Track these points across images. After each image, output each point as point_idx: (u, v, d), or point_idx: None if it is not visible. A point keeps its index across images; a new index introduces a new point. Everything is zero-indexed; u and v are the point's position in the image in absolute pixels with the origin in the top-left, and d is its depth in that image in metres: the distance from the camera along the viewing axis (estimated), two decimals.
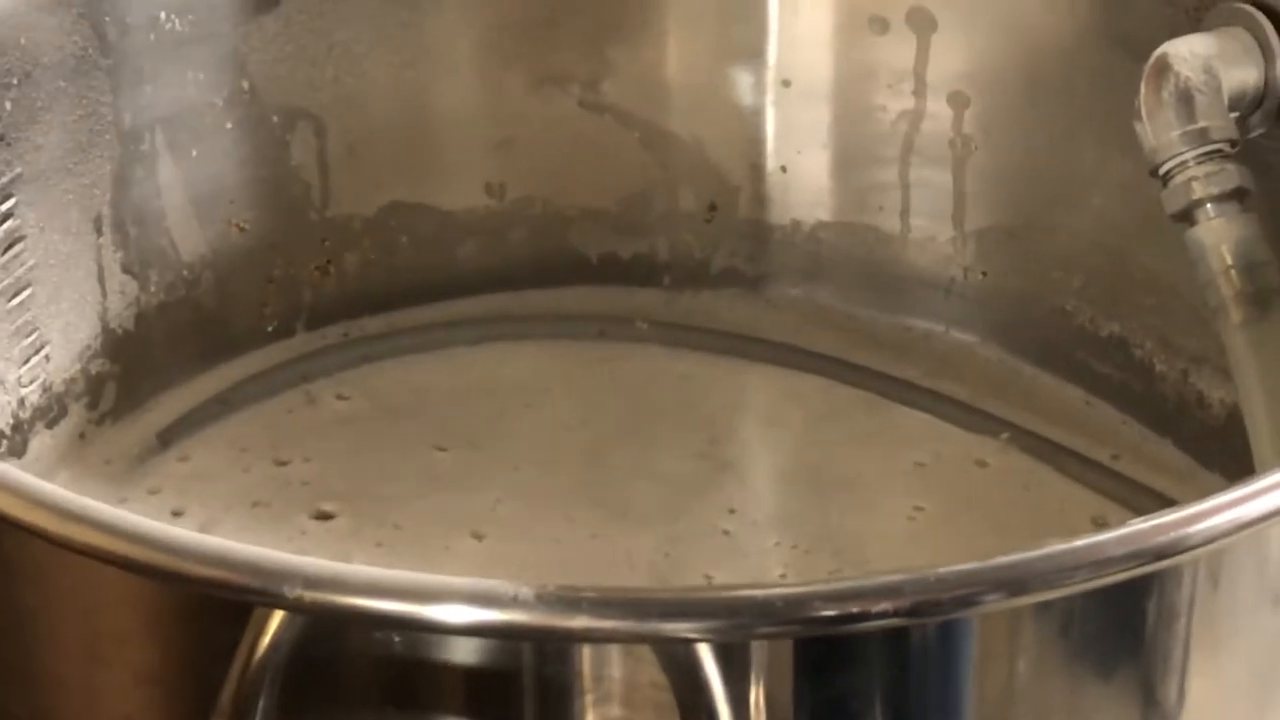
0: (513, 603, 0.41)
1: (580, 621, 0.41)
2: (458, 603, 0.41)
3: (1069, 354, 0.80)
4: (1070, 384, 0.80)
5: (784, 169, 0.84)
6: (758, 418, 0.81)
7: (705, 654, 0.44)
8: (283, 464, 0.77)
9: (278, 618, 0.45)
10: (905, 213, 0.83)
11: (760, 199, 0.85)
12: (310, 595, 0.42)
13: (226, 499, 0.75)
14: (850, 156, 0.83)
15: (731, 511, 0.75)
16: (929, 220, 0.82)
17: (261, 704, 0.46)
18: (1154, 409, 0.77)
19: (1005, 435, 0.77)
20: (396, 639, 0.46)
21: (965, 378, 0.81)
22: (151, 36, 0.75)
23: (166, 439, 0.77)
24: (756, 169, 0.84)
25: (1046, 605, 0.48)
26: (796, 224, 0.85)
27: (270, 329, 0.81)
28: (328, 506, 0.74)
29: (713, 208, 0.85)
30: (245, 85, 0.78)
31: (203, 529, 0.73)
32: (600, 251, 0.86)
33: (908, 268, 0.83)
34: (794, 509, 0.75)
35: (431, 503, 0.75)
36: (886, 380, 0.81)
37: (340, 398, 0.80)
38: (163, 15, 0.75)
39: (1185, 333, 0.75)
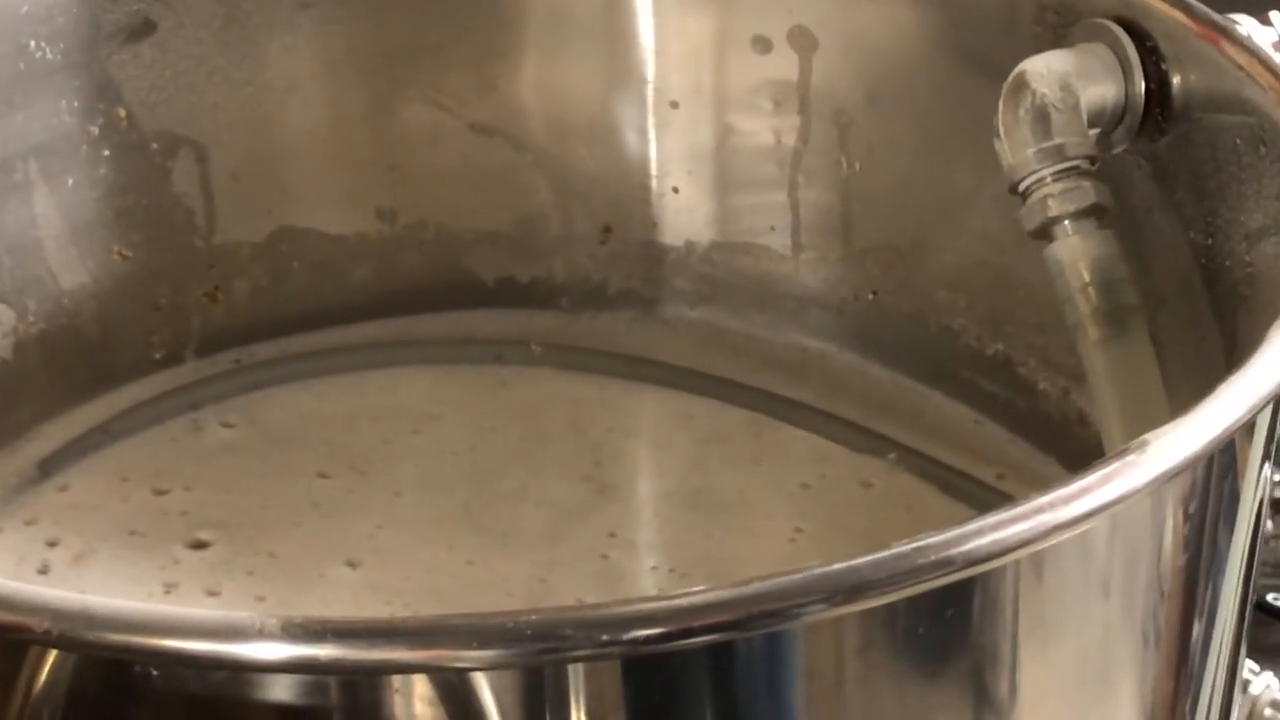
0: (257, 634, 0.41)
1: (328, 652, 0.41)
2: (200, 639, 0.41)
3: (957, 373, 0.79)
4: (959, 403, 0.79)
5: (676, 190, 0.84)
6: (645, 441, 0.80)
7: (480, 683, 0.44)
8: (162, 493, 0.76)
9: (52, 655, 0.45)
10: (796, 233, 0.82)
11: (653, 221, 0.84)
12: (59, 629, 0.42)
13: (103, 529, 0.74)
14: (740, 177, 0.83)
15: (612, 535, 0.74)
16: (819, 240, 0.82)
17: None
18: (1038, 427, 0.77)
19: (892, 455, 0.77)
20: (182, 675, 0.46)
21: (857, 398, 0.81)
22: (21, 65, 0.74)
23: (46, 468, 0.77)
24: (648, 191, 0.84)
25: (870, 612, 0.47)
26: (690, 245, 0.84)
27: (158, 356, 0.81)
28: (204, 535, 0.74)
29: (607, 230, 0.85)
30: (122, 113, 0.77)
31: (76, 559, 0.73)
32: (496, 275, 0.85)
33: (800, 288, 0.83)
34: (673, 532, 0.75)
35: (309, 530, 0.74)
36: (778, 401, 0.80)
37: (226, 425, 0.80)
38: (32, 44, 0.74)
39: (1066, 350, 0.74)
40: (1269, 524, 1.00)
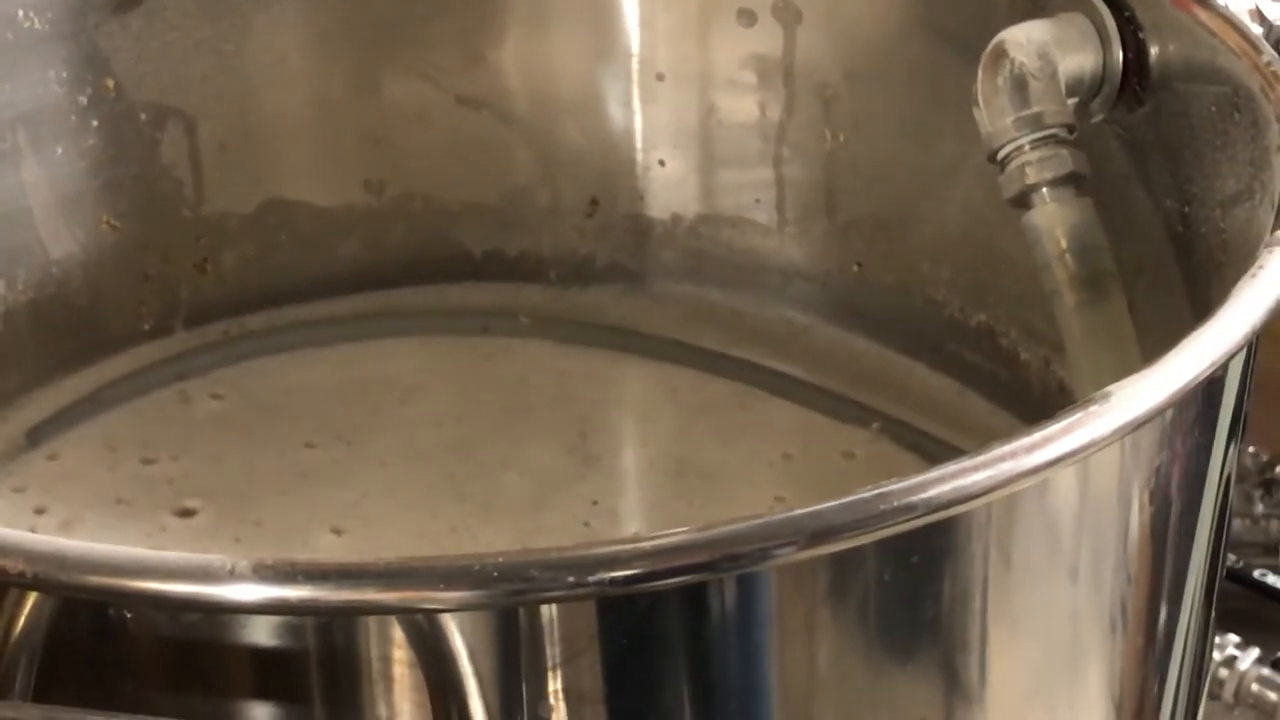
0: (229, 575, 0.41)
1: (298, 593, 0.42)
2: (174, 580, 0.42)
3: (941, 345, 0.80)
4: (943, 375, 0.80)
5: (662, 163, 0.84)
6: (630, 412, 0.81)
7: (451, 626, 0.45)
8: (150, 462, 0.77)
9: (30, 599, 0.46)
10: (781, 206, 0.83)
11: (640, 194, 0.85)
12: (33, 570, 0.42)
13: (90, 497, 0.75)
14: (725, 150, 0.83)
15: (594, 504, 0.75)
16: (804, 213, 0.82)
17: (18, 684, 0.46)
18: (1020, 398, 0.77)
19: (876, 425, 0.77)
20: (156, 619, 0.46)
21: (842, 370, 0.81)
22: (10, 35, 0.75)
23: (35, 437, 0.77)
24: (635, 164, 0.84)
25: (838, 556, 0.48)
26: (677, 218, 0.85)
27: (147, 327, 0.82)
28: (190, 504, 0.75)
29: (594, 203, 0.85)
30: (110, 83, 0.78)
31: (63, 526, 0.73)
32: (484, 248, 0.86)
33: (785, 261, 0.83)
34: (655, 500, 0.76)
35: (295, 499, 0.75)
36: (763, 373, 0.81)
37: (215, 396, 0.80)
38: (20, 14, 0.75)
39: (1047, 321, 0.74)
40: (1259, 505, 1.02)
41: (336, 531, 0.73)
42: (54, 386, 0.79)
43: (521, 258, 0.86)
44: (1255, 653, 0.91)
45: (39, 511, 0.74)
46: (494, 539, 0.73)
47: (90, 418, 0.79)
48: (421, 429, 0.79)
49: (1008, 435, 0.75)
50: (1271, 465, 1.01)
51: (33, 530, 0.73)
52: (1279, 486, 1.02)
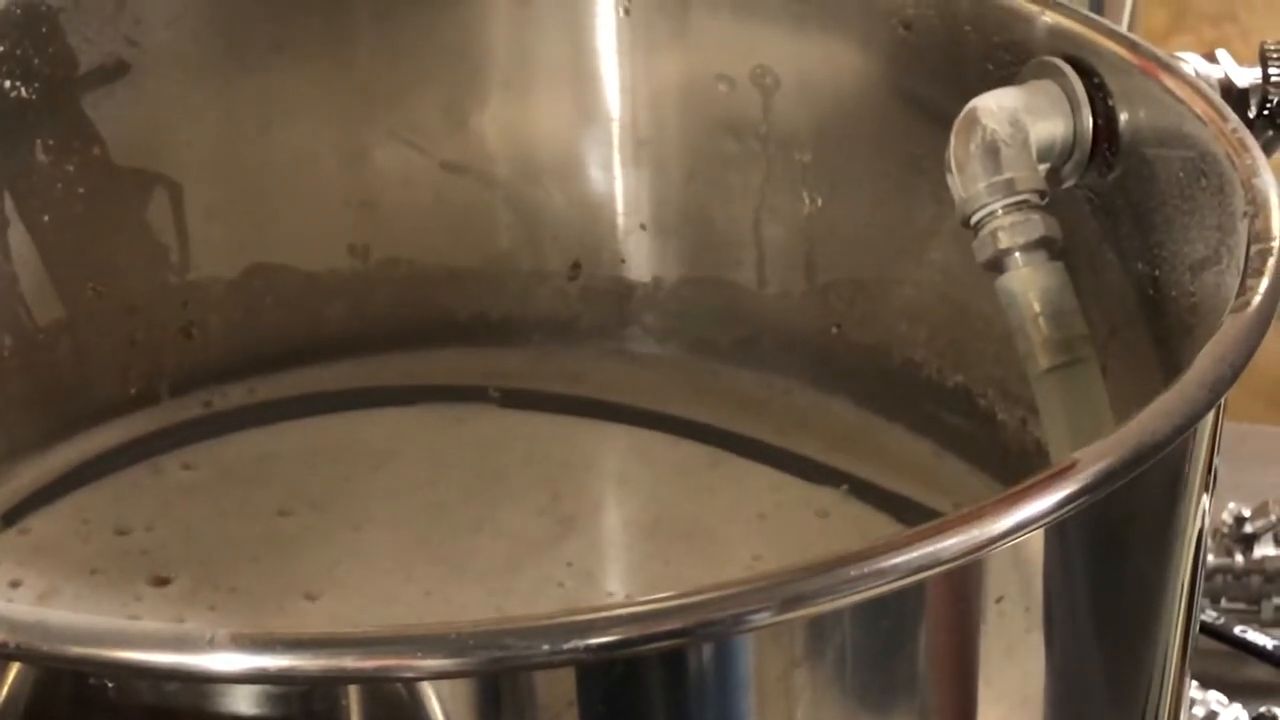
0: (208, 645, 0.42)
1: (276, 662, 0.42)
2: (153, 649, 0.42)
3: (919, 406, 0.81)
4: (921, 437, 0.81)
5: (643, 226, 0.85)
6: (602, 474, 0.82)
7: (429, 694, 0.45)
8: (124, 533, 0.77)
9: (14, 669, 0.46)
10: (761, 268, 0.84)
11: (622, 257, 0.86)
12: (16, 641, 0.43)
13: (65, 569, 0.75)
14: (705, 213, 0.84)
15: (569, 565, 0.76)
16: (784, 275, 0.83)
17: None
18: (997, 458, 0.78)
19: (844, 487, 0.78)
20: (138, 688, 0.47)
21: (820, 432, 0.82)
22: None
23: (10, 517, 0.78)
24: (617, 227, 0.85)
25: (815, 620, 0.48)
26: (658, 280, 0.86)
27: (133, 392, 0.82)
28: (165, 573, 0.75)
29: (576, 266, 0.86)
30: (96, 151, 0.79)
31: (40, 599, 0.74)
32: (468, 311, 0.87)
33: (766, 323, 0.84)
34: (631, 560, 0.76)
35: (269, 566, 0.75)
36: (738, 436, 0.82)
37: (186, 467, 0.81)
38: (8, 84, 0.76)
39: (1023, 381, 0.75)
40: (1239, 558, 1.02)
41: (311, 597, 0.74)
42: (33, 460, 0.80)
43: (505, 321, 0.87)
44: (1237, 709, 0.92)
45: (14, 584, 0.75)
46: (468, 601, 0.74)
47: (63, 494, 0.79)
48: (395, 494, 0.79)
49: (983, 496, 0.77)
50: (1251, 520, 1.02)
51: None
52: (1259, 542, 1.02)
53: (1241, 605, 1.01)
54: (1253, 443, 1.11)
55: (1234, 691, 0.93)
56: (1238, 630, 0.97)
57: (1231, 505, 1.02)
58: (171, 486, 0.79)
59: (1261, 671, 0.96)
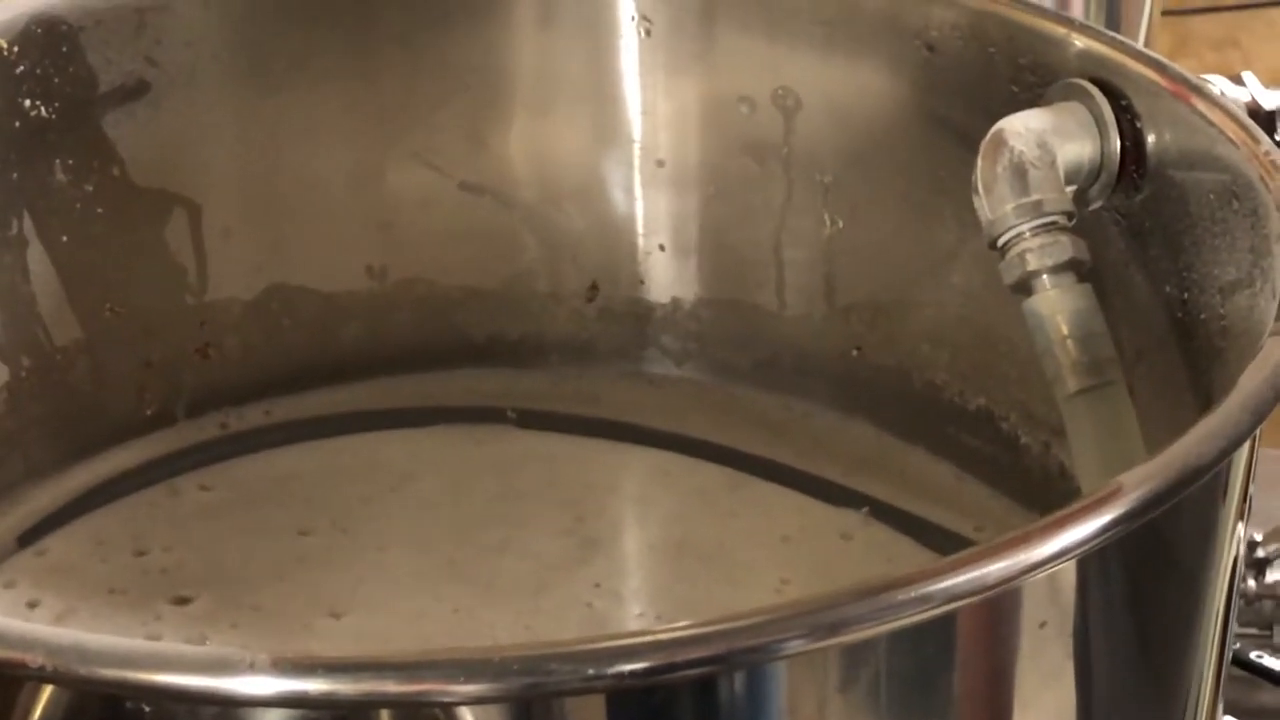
0: (248, 669, 0.42)
1: (317, 686, 0.42)
2: (191, 673, 0.42)
3: (940, 429, 0.80)
4: (942, 460, 0.80)
5: (662, 247, 0.85)
6: (624, 496, 0.81)
7: (465, 717, 0.45)
8: (142, 554, 0.77)
9: (46, 691, 0.46)
10: (781, 290, 0.83)
11: (641, 278, 0.86)
12: (52, 664, 0.42)
13: (83, 589, 0.75)
14: (726, 234, 0.84)
15: (596, 586, 0.75)
16: (803, 297, 0.83)
17: None
18: (1020, 482, 0.78)
19: (865, 510, 0.78)
20: (174, 711, 0.46)
21: (839, 455, 0.81)
22: (16, 123, 0.75)
23: (26, 539, 0.77)
24: (636, 249, 0.85)
25: (851, 648, 0.48)
26: (677, 302, 0.85)
27: (150, 413, 0.82)
28: (186, 592, 0.74)
29: (594, 287, 0.86)
30: (116, 171, 0.79)
31: (58, 619, 0.73)
32: (486, 333, 0.87)
33: (786, 344, 0.84)
34: (659, 582, 0.76)
35: (292, 584, 0.75)
36: (758, 458, 0.81)
37: (203, 488, 0.80)
38: (28, 103, 0.76)
39: (1047, 404, 0.75)
40: (1251, 583, 1.02)
41: (336, 615, 0.73)
42: (50, 481, 0.79)
43: (522, 342, 0.87)
44: None
45: (32, 605, 0.74)
46: (496, 620, 0.73)
47: (79, 515, 0.78)
48: (417, 515, 0.79)
49: (1005, 519, 0.77)
50: (1264, 544, 1.02)
51: None
52: (1272, 566, 1.02)
53: (1254, 630, 1.00)
54: (1265, 467, 1.10)
55: (1247, 717, 0.93)
56: (1252, 655, 0.97)
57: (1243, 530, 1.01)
58: (189, 507, 0.79)
59: (1274, 697, 0.96)
